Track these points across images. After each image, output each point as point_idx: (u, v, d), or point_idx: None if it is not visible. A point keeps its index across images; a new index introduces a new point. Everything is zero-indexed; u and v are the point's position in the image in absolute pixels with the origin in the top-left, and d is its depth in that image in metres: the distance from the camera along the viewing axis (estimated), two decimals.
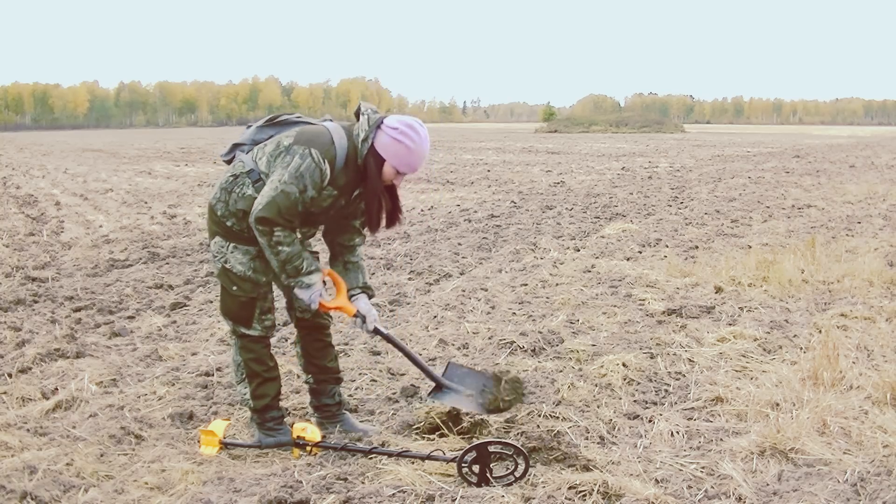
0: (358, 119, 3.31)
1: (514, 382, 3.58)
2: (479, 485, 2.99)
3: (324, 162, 3.15)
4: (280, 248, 3.17)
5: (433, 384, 3.59)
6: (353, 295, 3.44)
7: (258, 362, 3.45)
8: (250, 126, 3.48)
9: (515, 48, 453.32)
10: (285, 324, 5.16)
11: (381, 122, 3.24)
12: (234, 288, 3.35)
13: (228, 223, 3.32)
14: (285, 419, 3.62)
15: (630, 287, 6.41)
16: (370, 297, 3.50)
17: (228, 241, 3.33)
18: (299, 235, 3.33)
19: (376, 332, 3.45)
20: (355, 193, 3.33)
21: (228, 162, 3.46)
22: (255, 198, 3.23)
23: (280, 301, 3.83)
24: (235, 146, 3.43)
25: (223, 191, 3.33)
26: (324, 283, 3.41)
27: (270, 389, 3.49)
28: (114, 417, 3.72)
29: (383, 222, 3.36)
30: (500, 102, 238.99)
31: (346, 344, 4.94)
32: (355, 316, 3.40)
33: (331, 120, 3.39)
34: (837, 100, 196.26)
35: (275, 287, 3.53)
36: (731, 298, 5.97)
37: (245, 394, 3.48)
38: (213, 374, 4.39)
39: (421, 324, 5.41)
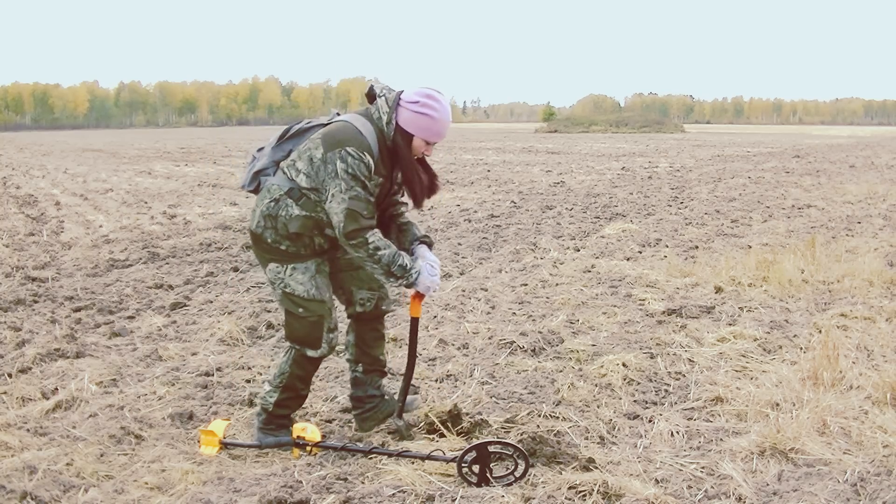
0: (371, 102, 3.30)
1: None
2: (479, 485, 2.99)
3: (364, 154, 3.13)
4: (379, 252, 3.16)
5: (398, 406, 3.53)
6: (414, 248, 3.43)
7: (303, 381, 3.44)
8: (262, 149, 3.42)
9: (515, 48, 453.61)
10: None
11: (400, 100, 3.23)
12: (301, 310, 3.30)
13: (283, 247, 3.26)
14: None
15: (630, 287, 6.41)
16: (430, 246, 3.49)
17: (285, 265, 3.28)
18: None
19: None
20: (395, 173, 3.34)
21: (254, 191, 3.38)
22: (305, 215, 3.20)
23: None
24: (258, 174, 3.37)
25: (267, 218, 3.25)
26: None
27: (295, 405, 3.49)
28: (114, 417, 3.72)
29: (425, 193, 3.35)
30: (500, 102, 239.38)
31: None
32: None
33: (338, 114, 3.36)
34: (837, 100, 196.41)
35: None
36: (731, 298, 5.97)
37: (269, 393, 3.43)
38: (213, 374, 4.39)
39: (421, 324, 5.40)
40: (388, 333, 5.10)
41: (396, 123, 3.22)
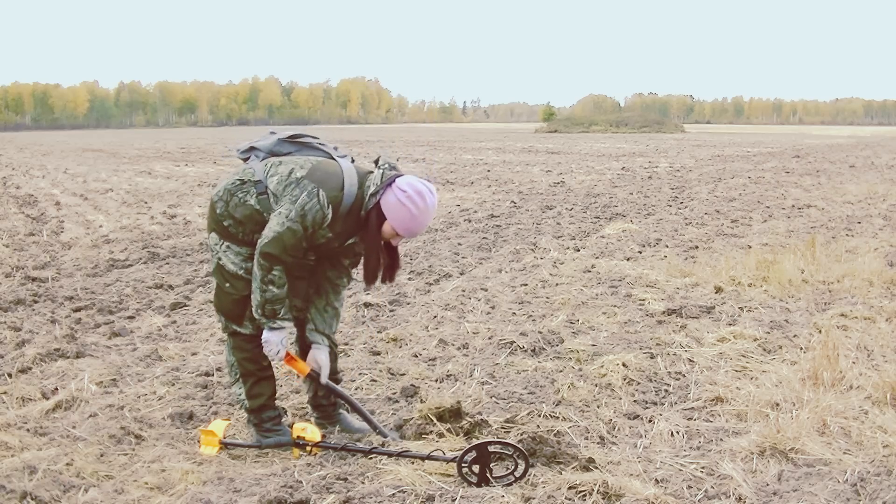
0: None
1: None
2: (479, 485, 2.99)
3: (328, 206, 3.16)
4: (270, 287, 3.19)
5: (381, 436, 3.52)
6: (316, 342, 3.44)
7: (251, 361, 3.44)
8: (273, 134, 3.46)
9: (515, 48, 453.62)
10: None
11: (394, 181, 3.22)
12: (227, 285, 3.36)
13: (225, 223, 3.33)
14: (283, 419, 3.62)
15: (630, 287, 6.41)
16: (332, 350, 3.51)
17: (223, 240, 3.35)
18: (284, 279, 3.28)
19: (327, 387, 3.46)
20: (350, 241, 3.35)
21: (244, 160, 3.44)
22: (256, 209, 3.26)
23: None
24: (253, 148, 3.42)
25: (226, 191, 3.33)
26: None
27: (265, 388, 3.48)
28: (114, 417, 3.72)
29: (379, 277, 3.37)
30: (500, 102, 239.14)
31: (346, 344, 4.94)
32: (308, 375, 3.44)
33: (352, 159, 3.37)
34: (837, 100, 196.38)
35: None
36: (731, 298, 5.97)
37: (240, 394, 3.47)
38: (213, 374, 4.39)
39: (421, 324, 5.41)
40: (388, 333, 5.12)
41: (378, 201, 3.22)
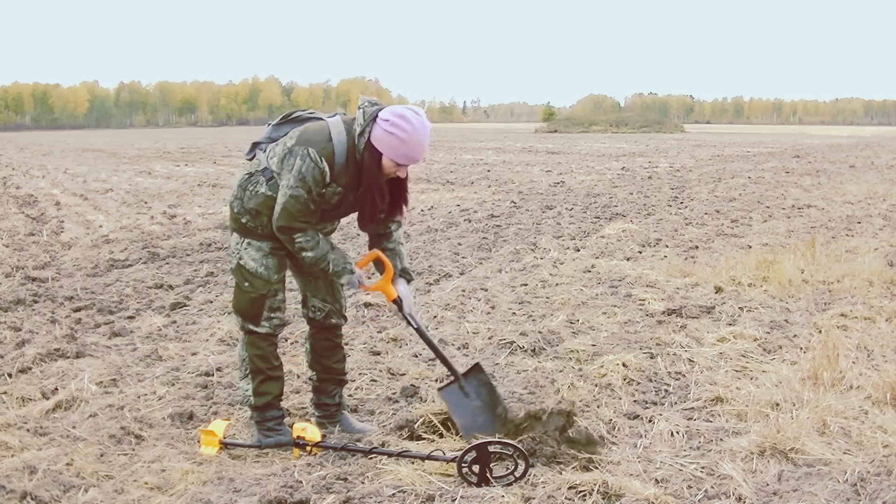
0: None
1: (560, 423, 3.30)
2: (479, 485, 2.99)
3: (321, 160, 3.17)
4: (304, 253, 3.25)
5: (451, 378, 3.58)
6: (393, 278, 3.48)
7: (263, 359, 3.46)
8: (270, 124, 3.50)
9: (515, 48, 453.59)
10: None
11: (377, 115, 3.21)
12: (246, 284, 3.39)
13: (243, 220, 3.37)
14: (285, 419, 3.62)
15: (630, 287, 6.41)
16: (409, 281, 3.53)
17: (244, 238, 3.39)
18: (320, 236, 3.32)
19: (407, 319, 3.50)
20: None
21: (251, 160, 3.49)
22: (268, 195, 3.30)
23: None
24: (255, 145, 3.47)
25: (240, 188, 3.39)
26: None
27: (273, 388, 3.49)
28: (114, 417, 3.72)
29: (381, 215, 3.36)
30: (500, 102, 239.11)
31: (347, 344, 4.93)
32: (393, 301, 3.46)
33: (341, 114, 3.38)
34: (837, 100, 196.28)
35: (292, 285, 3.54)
36: (731, 298, 5.97)
37: (247, 390, 3.49)
38: (213, 374, 4.39)
39: (421, 324, 5.40)
40: (388, 333, 5.11)
41: (368, 138, 3.21)
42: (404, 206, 3.43)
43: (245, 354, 3.48)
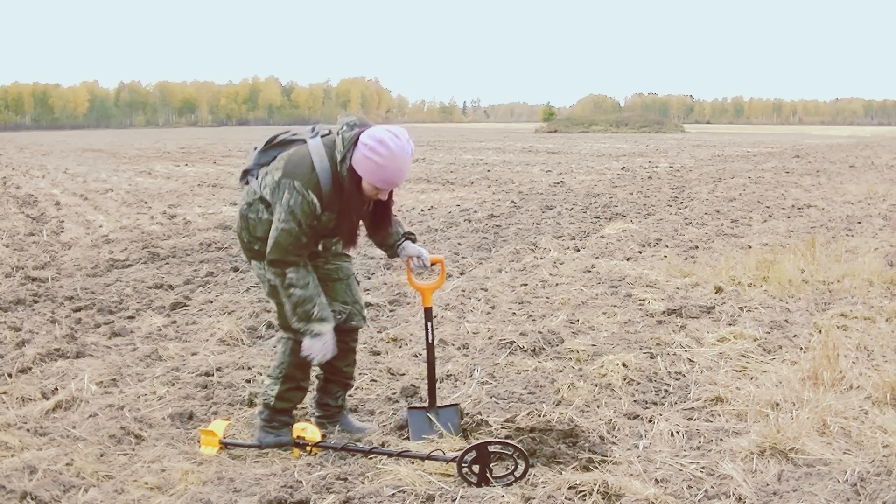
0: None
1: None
2: (479, 485, 2.99)
3: (308, 192, 3.15)
4: (292, 290, 3.21)
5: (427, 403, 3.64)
6: (399, 243, 3.53)
7: (301, 369, 3.46)
8: (256, 149, 3.46)
9: (515, 48, 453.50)
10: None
11: (358, 139, 3.19)
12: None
13: (256, 247, 3.36)
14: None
15: (630, 287, 6.41)
16: (413, 240, 3.60)
17: (264, 262, 3.35)
18: (312, 277, 3.29)
19: (426, 329, 3.61)
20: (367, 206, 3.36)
21: (245, 185, 3.46)
22: (272, 219, 3.27)
23: None
24: (246, 172, 3.44)
25: (242, 218, 3.38)
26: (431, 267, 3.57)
27: (297, 398, 3.52)
28: (114, 417, 3.72)
29: (354, 240, 3.39)
30: (500, 102, 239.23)
31: None
32: (426, 308, 3.61)
33: (324, 134, 3.34)
34: (837, 100, 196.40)
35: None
36: (731, 298, 5.97)
37: (271, 390, 3.46)
38: (213, 374, 4.39)
39: (421, 324, 5.40)
40: (388, 333, 5.11)
41: (350, 163, 3.19)
42: (388, 226, 3.46)
43: (285, 360, 3.44)
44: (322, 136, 3.32)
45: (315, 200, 3.17)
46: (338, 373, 3.64)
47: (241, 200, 3.41)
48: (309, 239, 3.23)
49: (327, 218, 3.25)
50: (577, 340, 4.92)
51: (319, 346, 3.27)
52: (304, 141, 3.35)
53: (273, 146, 3.41)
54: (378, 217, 3.41)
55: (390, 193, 3.34)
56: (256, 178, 3.37)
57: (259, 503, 2.83)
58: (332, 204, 3.23)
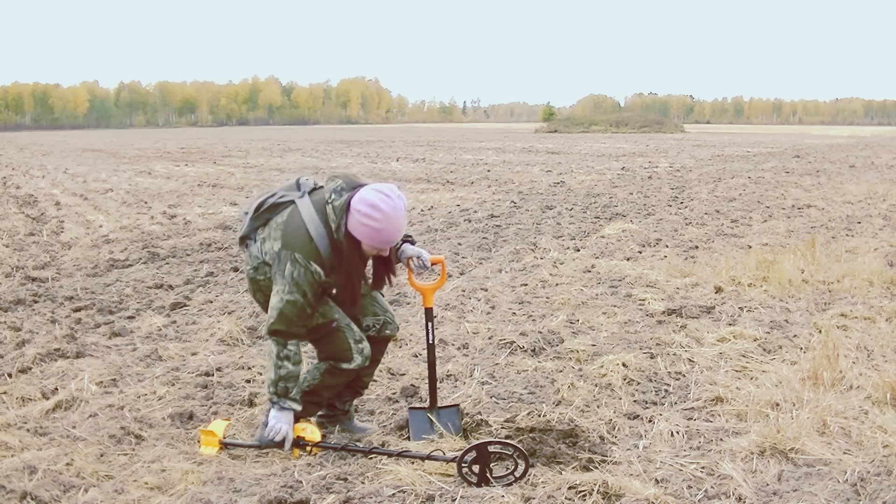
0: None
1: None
2: (479, 485, 2.99)
3: (310, 263, 3.18)
4: (286, 363, 3.24)
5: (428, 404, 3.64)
6: (397, 246, 3.54)
7: (330, 391, 3.49)
8: (247, 214, 3.43)
9: (515, 48, 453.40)
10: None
11: (349, 204, 3.19)
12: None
13: None
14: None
15: (630, 287, 6.41)
16: (412, 243, 3.60)
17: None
18: (302, 356, 3.33)
19: (427, 329, 3.62)
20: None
21: (246, 249, 3.47)
22: None
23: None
24: (243, 239, 3.45)
25: (252, 281, 3.43)
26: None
27: (311, 411, 3.53)
28: (114, 417, 3.72)
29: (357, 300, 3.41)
30: (500, 102, 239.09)
31: None
32: (427, 309, 3.63)
33: (311, 189, 3.33)
34: (837, 100, 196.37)
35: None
36: (731, 298, 5.97)
37: (293, 395, 3.37)
38: (213, 374, 4.39)
39: (421, 324, 5.40)
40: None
41: (346, 229, 3.21)
42: (390, 278, 3.48)
43: (316, 377, 3.44)
44: (310, 193, 3.32)
45: (318, 269, 3.20)
46: (357, 381, 3.63)
47: (246, 265, 3.45)
48: (312, 309, 3.26)
49: (332, 281, 3.30)
50: (577, 340, 4.92)
51: (285, 422, 3.26)
52: (293, 202, 3.33)
53: (263, 212, 3.38)
54: (380, 271, 3.45)
55: (390, 249, 3.38)
56: (255, 241, 3.38)
57: (259, 503, 2.83)
58: (333, 267, 3.26)
